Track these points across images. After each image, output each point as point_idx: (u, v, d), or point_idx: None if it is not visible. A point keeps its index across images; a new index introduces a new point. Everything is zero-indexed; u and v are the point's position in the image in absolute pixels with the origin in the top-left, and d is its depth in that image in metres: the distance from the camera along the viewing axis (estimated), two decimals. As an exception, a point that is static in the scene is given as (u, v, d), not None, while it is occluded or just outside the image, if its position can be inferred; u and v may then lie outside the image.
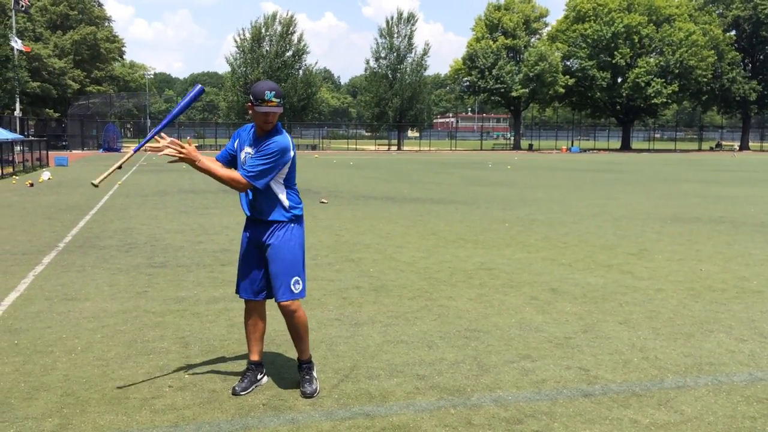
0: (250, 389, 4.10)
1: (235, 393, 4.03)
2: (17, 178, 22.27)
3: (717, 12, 72.63)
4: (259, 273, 4.10)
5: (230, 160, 4.13)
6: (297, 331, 4.10)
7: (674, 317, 5.81)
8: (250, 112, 3.90)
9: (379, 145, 73.16)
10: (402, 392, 4.10)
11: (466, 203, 15.17)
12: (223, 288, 6.70)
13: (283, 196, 4.01)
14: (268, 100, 3.82)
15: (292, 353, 4.50)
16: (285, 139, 3.94)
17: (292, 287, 4.00)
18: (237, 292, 4.20)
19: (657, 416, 3.79)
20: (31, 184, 19.28)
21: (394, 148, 70.31)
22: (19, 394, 4.00)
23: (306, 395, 4.00)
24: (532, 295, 6.52)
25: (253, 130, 4.03)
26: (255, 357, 4.21)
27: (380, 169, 29.54)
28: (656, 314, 5.89)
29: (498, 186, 20.54)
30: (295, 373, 4.29)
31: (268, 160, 3.86)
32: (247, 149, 3.99)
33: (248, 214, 4.10)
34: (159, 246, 9.17)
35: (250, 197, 4.05)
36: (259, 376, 4.20)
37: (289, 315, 4.05)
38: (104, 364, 4.52)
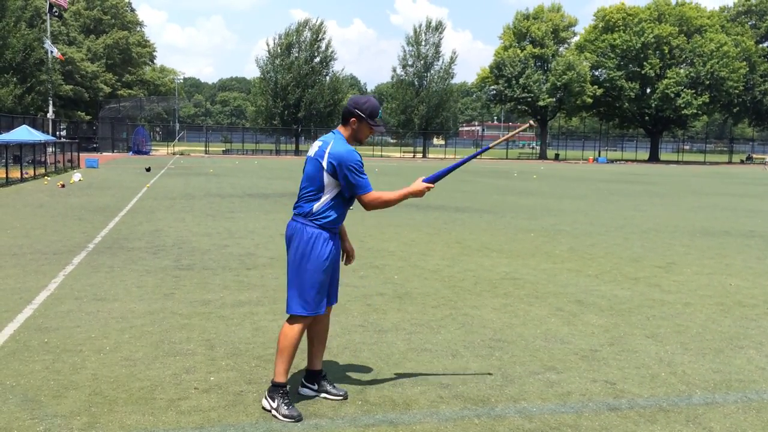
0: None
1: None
2: (49, 179, 22.71)
3: (750, 23, 71.57)
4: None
5: None
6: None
7: (703, 332, 5.72)
8: (354, 126, 3.87)
9: (404, 152, 73.23)
10: (426, 400, 4.09)
11: (491, 212, 15.10)
12: (249, 291, 6.75)
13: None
14: (380, 118, 3.99)
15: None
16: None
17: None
18: (322, 308, 3.93)
19: (685, 432, 3.73)
20: (63, 185, 19.63)
21: (420, 155, 70.32)
22: (49, 392, 4.07)
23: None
24: (557, 306, 6.46)
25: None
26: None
27: (405, 176, 29.53)
28: (684, 329, 5.81)
29: (523, 195, 20.42)
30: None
31: None
32: None
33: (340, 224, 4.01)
34: (186, 249, 9.28)
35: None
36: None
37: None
38: (132, 365, 4.58)
